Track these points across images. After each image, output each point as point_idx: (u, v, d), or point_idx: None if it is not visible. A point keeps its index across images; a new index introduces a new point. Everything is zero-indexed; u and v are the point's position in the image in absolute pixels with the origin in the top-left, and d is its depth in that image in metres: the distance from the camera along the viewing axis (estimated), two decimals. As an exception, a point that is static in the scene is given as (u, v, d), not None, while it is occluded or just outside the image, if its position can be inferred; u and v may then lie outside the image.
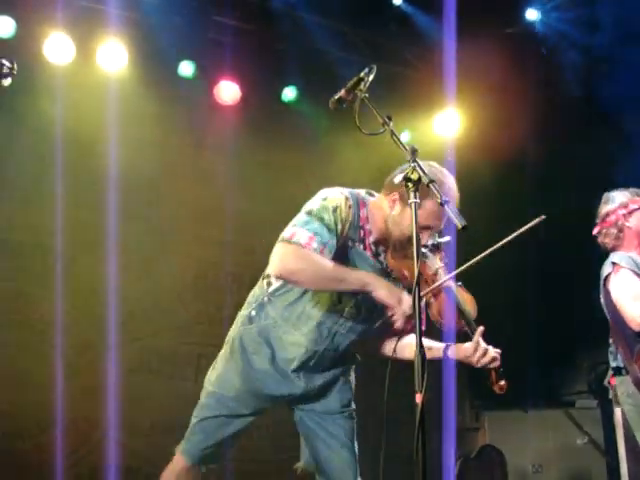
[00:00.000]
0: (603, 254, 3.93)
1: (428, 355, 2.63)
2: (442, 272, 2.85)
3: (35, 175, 5.20)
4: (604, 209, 3.92)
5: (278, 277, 2.82)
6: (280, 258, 2.71)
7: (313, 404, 3.04)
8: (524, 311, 6.30)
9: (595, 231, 3.97)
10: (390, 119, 2.54)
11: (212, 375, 3.08)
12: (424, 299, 2.77)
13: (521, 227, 2.69)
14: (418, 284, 2.23)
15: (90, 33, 5.35)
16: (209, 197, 5.78)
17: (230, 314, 5.77)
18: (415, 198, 2.33)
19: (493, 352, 2.87)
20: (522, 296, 6.35)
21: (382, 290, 2.68)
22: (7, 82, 2.68)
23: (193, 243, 5.65)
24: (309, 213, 2.77)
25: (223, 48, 5.72)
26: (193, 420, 3.07)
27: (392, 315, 2.67)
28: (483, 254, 2.73)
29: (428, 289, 2.77)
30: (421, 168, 2.36)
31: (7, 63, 2.65)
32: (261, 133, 5.91)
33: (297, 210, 3.00)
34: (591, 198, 4.04)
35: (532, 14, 6.07)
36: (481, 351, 2.84)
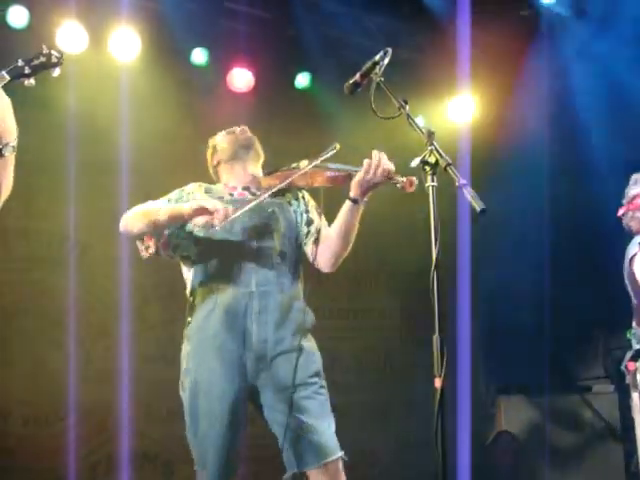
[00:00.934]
0: (624, 236, 3.89)
1: (349, 218, 2.99)
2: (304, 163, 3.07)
3: (50, 163, 5.21)
4: (632, 191, 3.86)
5: (123, 234, 3.21)
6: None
7: (278, 376, 2.98)
8: (540, 296, 6.28)
9: (620, 212, 3.91)
10: (406, 103, 2.53)
11: (183, 391, 3.12)
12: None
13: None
14: (437, 267, 2.21)
15: (103, 21, 5.33)
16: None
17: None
18: (432, 182, 2.33)
19: (380, 159, 2.92)
20: (538, 281, 6.32)
21: (186, 209, 2.92)
22: (56, 72, 2.71)
23: (208, 230, 5.65)
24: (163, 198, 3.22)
25: (236, 35, 5.70)
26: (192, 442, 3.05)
27: (211, 224, 2.87)
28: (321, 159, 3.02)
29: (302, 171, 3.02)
30: (438, 151, 2.35)
31: (56, 53, 2.68)
32: (275, 120, 5.89)
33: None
34: (610, 181, 4.00)
35: (546, -4, 6.01)
36: (373, 166, 2.90)
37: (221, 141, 3.33)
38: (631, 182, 3.89)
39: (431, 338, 2.21)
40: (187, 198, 3.15)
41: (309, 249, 3.17)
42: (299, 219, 3.22)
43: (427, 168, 2.34)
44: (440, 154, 2.34)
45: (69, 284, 5.17)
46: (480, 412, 6.48)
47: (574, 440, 6.06)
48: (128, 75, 5.37)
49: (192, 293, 3.15)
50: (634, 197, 3.83)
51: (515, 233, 6.20)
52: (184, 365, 3.10)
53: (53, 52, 2.69)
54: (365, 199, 2.99)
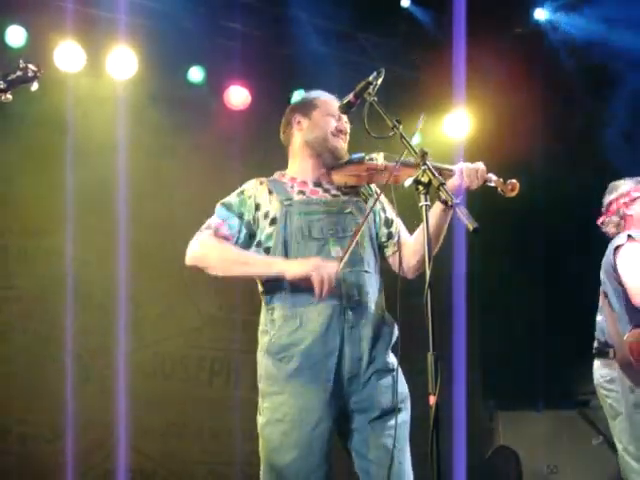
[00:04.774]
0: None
1: (441, 221, 2.66)
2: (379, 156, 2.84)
3: (47, 182, 5.23)
4: (607, 199, 3.93)
5: (190, 266, 2.82)
6: (189, 247, 2.81)
7: (372, 401, 2.68)
8: (537, 311, 6.29)
9: (600, 221, 3.97)
10: (399, 122, 2.53)
11: (260, 414, 2.73)
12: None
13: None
14: (430, 288, 2.22)
15: (100, 41, 5.38)
16: (221, 201, 5.81)
17: (242, 318, 5.83)
18: (426, 201, 2.33)
19: (477, 165, 2.73)
20: (535, 296, 6.33)
21: (292, 268, 2.60)
22: (35, 86, 2.71)
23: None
24: (221, 203, 2.86)
25: (232, 53, 5.74)
26: None
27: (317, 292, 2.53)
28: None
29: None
30: (431, 171, 2.36)
31: (32, 67, 2.68)
32: (272, 137, 5.88)
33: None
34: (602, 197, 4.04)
35: (540, 14, 6.08)
36: (467, 171, 2.70)
37: (325, 120, 2.96)
38: (607, 190, 3.96)
39: (425, 355, 2.22)
40: (250, 204, 2.82)
41: (390, 253, 2.88)
42: (377, 219, 2.90)
43: (420, 188, 2.35)
44: (433, 174, 2.35)
45: (67, 301, 5.18)
46: (478, 427, 6.48)
47: (572, 455, 6.06)
48: (125, 94, 5.41)
49: (270, 304, 2.79)
50: (610, 204, 3.90)
51: (511, 248, 6.23)
52: (264, 386, 2.74)
53: (30, 66, 2.68)
54: None
